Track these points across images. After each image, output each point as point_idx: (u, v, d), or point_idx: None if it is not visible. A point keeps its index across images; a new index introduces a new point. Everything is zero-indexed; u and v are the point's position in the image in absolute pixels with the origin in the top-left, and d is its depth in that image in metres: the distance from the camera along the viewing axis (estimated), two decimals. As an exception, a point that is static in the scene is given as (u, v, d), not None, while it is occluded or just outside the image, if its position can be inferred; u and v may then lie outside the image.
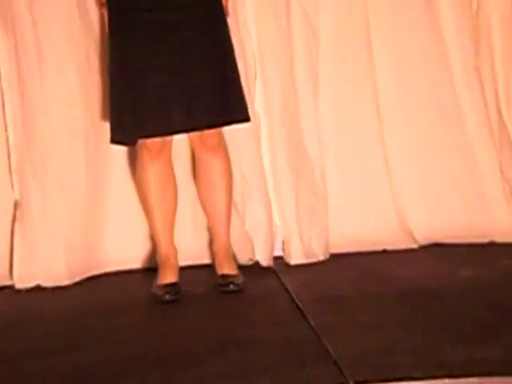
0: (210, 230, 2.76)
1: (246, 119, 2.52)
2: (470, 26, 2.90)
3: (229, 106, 2.47)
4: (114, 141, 2.53)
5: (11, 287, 2.70)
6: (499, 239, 2.88)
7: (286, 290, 2.51)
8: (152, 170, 2.51)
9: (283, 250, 2.87)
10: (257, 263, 2.81)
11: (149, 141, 2.47)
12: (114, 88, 2.49)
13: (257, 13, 2.77)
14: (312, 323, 2.15)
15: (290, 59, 2.82)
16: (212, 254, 2.69)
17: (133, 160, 2.80)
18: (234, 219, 2.70)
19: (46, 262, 2.72)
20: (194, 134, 2.51)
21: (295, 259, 2.81)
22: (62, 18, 2.68)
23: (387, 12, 2.89)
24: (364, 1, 2.85)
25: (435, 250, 2.87)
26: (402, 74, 2.92)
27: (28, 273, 2.72)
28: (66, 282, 2.70)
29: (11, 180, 2.76)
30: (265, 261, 2.80)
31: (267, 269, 2.77)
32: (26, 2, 2.68)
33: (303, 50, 2.83)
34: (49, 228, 2.73)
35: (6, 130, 2.74)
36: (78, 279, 2.72)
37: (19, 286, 2.70)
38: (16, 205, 2.74)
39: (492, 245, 2.86)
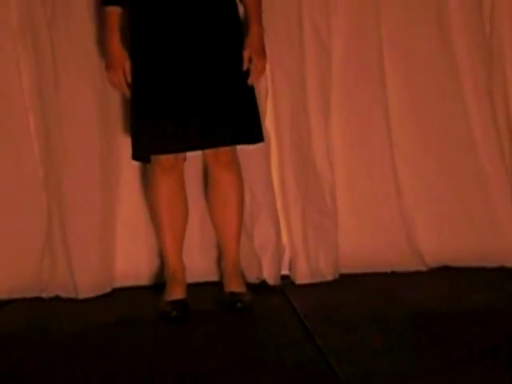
0: (219, 247, 2.76)
1: (259, 140, 2.53)
2: (483, 49, 2.90)
3: (244, 126, 2.47)
4: (134, 157, 2.54)
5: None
6: (510, 264, 2.86)
7: (294, 309, 2.49)
8: (164, 186, 2.51)
9: (290, 269, 2.87)
10: (264, 282, 2.80)
11: (162, 157, 2.47)
12: (133, 105, 2.50)
13: (269, 32, 2.78)
14: (319, 343, 2.13)
15: (301, 79, 2.82)
16: (220, 271, 2.68)
17: (145, 175, 2.81)
18: (242, 237, 2.69)
19: (62, 276, 2.76)
20: (208, 150, 2.51)
21: (301, 279, 2.80)
22: (78, 37, 2.70)
23: (400, 35, 2.90)
24: (377, 24, 2.86)
25: (445, 273, 2.85)
26: (413, 97, 2.92)
27: (49, 285, 2.77)
28: (78, 296, 2.72)
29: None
30: (272, 280, 2.79)
31: (275, 287, 2.77)
32: (45, 22, 2.71)
33: (315, 71, 2.83)
34: (66, 243, 2.74)
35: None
36: (90, 295, 2.73)
37: (43, 295, 2.77)
38: (48, 218, 2.78)
39: (502, 269, 2.84)
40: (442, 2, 2.88)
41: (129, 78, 2.47)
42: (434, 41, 2.89)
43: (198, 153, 2.61)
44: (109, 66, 2.49)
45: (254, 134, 2.51)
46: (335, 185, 2.86)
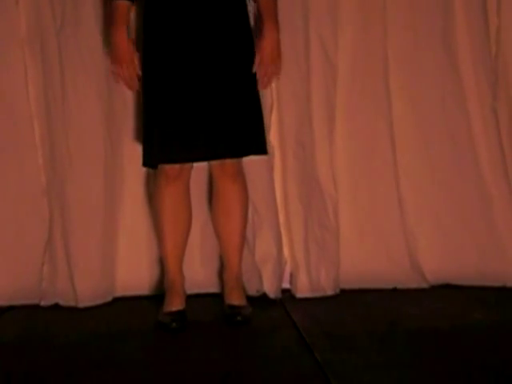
0: (220, 258, 2.75)
1: (264, 152, 2.52)
2: (489, 69, 2.90)
3: (250, 137, 2.46)
4: (144, 164, 2.52)
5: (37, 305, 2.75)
6: (512, 284, 2.85)
7: (294, 323, 2.48)
8: (168, 195, 2.50)
9: (290, 282, 2.86)
10: (265, 295, 2.79)
11: (167, 166, 2.47)
12: (144, 114, 2.49)
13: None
14: (318, 358, 2.12)
15: (306, 93, 2.82)
16: (221, 283, 2.68)
17: (148, 185, 2.81)
18: (244, 249, 2.68)
19: (62, 284, 2.75)
20: (214, 161, 2.51)
21: (301, 293, 2.80)
22: (85, 46, 2.71)
23: (406, 50, 2.90)
24: (383, 39, 2.87)
25: (446, 291, 2.84)
26: (418, 113, 2.92)
27: (49, 293, 2.76)
28: (78, 305, 2.72)
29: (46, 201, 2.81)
30: (272, 293, 2.78)
31: (275, 301, 2.76)
32: (54, 30, 2.71)
33: (320, 85, 2.83)
34: (67, 251, 2.74)
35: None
36: (90, 304, 2.72)
37: (42, 303, 2.76)
38: (49, 225, 2.78)
39: (504, 289, 2.83)
40: (449, 20, 2.88)
41: (139, 72, 2.42)
42: (439, 57, 2.89)
43: (204, 163, 2.61)
44: (115, 60, 2.41)
45: (260, 146, 2.51)
46: (338, 200, 2.85)
